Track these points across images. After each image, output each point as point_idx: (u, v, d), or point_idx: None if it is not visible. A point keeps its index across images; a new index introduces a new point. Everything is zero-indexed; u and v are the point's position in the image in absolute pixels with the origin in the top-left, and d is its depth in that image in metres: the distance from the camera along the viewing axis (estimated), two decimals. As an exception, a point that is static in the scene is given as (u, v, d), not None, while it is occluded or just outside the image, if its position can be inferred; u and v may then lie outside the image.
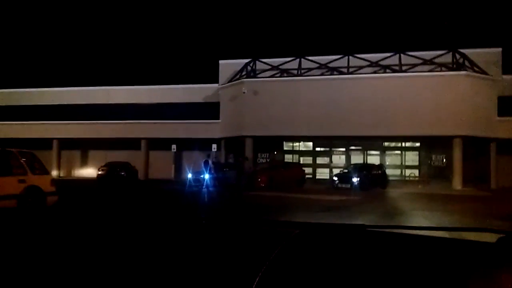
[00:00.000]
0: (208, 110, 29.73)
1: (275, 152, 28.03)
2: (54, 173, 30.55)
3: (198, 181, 21.13)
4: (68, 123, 30.78)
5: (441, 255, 1.17)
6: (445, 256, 1.16)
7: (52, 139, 30.88)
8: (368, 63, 25.80)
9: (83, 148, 32.72)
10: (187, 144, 29.33)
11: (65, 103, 32.62)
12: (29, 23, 59.30)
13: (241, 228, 1.55)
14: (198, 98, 31.26)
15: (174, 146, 28.14)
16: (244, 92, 25.58)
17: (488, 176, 24.21)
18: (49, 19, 62.38)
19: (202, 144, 27.85)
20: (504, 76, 24.77)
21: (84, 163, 33.15)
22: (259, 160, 27.31)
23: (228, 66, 29.43)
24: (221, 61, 30.84)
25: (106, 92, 33.34)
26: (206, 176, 20.80)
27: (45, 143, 30.73)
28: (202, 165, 21.17)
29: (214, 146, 27.39)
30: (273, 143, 27.81)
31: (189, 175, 22.32)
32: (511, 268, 1.01)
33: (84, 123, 30.67)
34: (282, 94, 25.35)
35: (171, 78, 32.98)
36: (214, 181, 20.65)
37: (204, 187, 20.34)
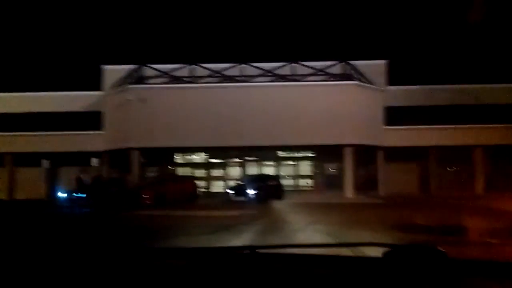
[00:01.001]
0: (89, 120, 26.41)
1: (165, 166, 25.82)
2: None
3: (69, 201, 18.17)
4: None
5: (331, 273, 1.18)
6: (336, 274, 1.18)
7: None
8: (262, 71, 25.21)
9: None
10: (64, 159, 25.65)
11: None
12: None
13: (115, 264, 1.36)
14: (77, 107, 27.71)
15: (45, 162, 24.28)
16: (129, 100, 23.08)
17: (377, 183, 24.99)
18: None
19: (82, 158, 24.56)
20: (389, 87, 26.01)
21: None
22: (147, 175, 24.84)
23: (113, 72, 26.59)
24: (105, 67, 27.85)
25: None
26: (78, 194, 17.97)
27: None
28: (74, 182, 18.32)
29: (94, 160, 24.27)
30: (163, 156, 25.57)
31: (60, 194, 19.19)
32: (397, 282, 1.05)
33: None
34: (172, 103, 23.42)
35: (47, 84, 28.82)
36: (89, 201, 17.84)
37: (76, 207, 17.47)
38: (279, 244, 1.43)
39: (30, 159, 25.61)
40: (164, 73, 25.19)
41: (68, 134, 25.63)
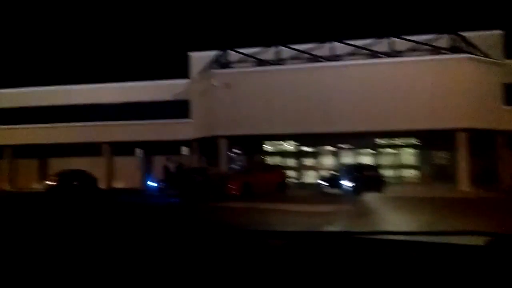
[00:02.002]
0: (178, 108, 26.36)
1: (254, 154, 24.67)
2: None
3: (157, 190, 17.85)
4: (22, 128, 27.02)
5: (430, 260, 1.17)
6: (435, 261, 1.16)
7: (2, 146, 27.10)
8: (354, 49, 22.73)
9: (41, 156, 29.01)
10: (156, 148, 25.94)
11: (21, 105, 29.03)
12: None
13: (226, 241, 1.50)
14: (167, 96, 27.89)
15: (139, 151, 24.64)
16: (214, 85, 22.29)
17: (497, 174, 21.20)
18: None
19: (174, 147, 24.54)
20: (508, 61, 21.87)
21: (43, 173, 29.40)
22: (236, 164, 23.96)
23: (200, 59, 26.11)
24: (191, 53, 27.55)
25: (66, 92, 29.80)
26: (164, 184, 17.57)
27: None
28: (162, 171, 17.94)
29: (184, 148, 24.01)
30: (252, 144, 24.44)
31: (149, 183, 19.05)
32: (501, 271, 1.03)
33: (40, 127, 26.96)
34: (259, 87, 22.14)
35: (137, 74, 29.59)
36: (174, 190, 17.33)
37: (162, 197, 17.07)
38: (376, 230, 1.56)
39: (127, 148, 26.29)
40: (249, 56, 24.00)
41: (159, 123, 25.80)
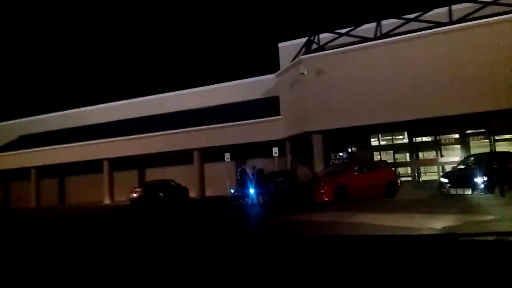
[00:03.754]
0: (267, 106, 23.72)
1: (353, 149, 20.61)
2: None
3: (236, 198, 15.28)
4: (118, 140, 26.99)
5: None
6: None
7: (102, 160, 27.44)
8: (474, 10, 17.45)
9: (139, 167, 28.90)
10: (247, 151, 23.62)
11: (115, 119, 29.47)
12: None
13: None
14: (257, 94, 25.56)
15: (227, 155, 22.44)
16: (302, 74, 19.01)
17: None
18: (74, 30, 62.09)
19: (263, 149, 21.93)
20: None
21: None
22: (333, 162, 20.26)
23: (289, 48, 23.15)
24: (280, 44, 24.79)
25: (157, 100, 29.45)
26: (240, 191, 14.91)
27: (95, 165, 27.59)
28: (239, 176, 15.30)
29: (275, 150, 21.11)
30: (353, 138, 20.48)
31: (231, 190, 16.61)
32: None
33: (135, 138, 26.60)
34: (357, 69, 18.22)
35: (227, 74, 27.95)
36: (256, 197, 14.55)
37: (244, 205, 14.45)
38: (484, 232, 1.33)
39: (215, 153, 24.46)
40: (342, 34, 20.17)
41: (246, 124, 23.38)
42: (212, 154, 24.80)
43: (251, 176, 14.77)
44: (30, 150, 29.24)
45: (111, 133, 27.51)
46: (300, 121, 19.95)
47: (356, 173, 14.27)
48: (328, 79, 18.73)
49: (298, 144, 21.21)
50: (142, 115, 29.12)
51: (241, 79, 26.96)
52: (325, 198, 12.98)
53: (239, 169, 16.10)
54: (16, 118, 34.87)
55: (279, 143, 21.56)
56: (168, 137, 25.34)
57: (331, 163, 19.75)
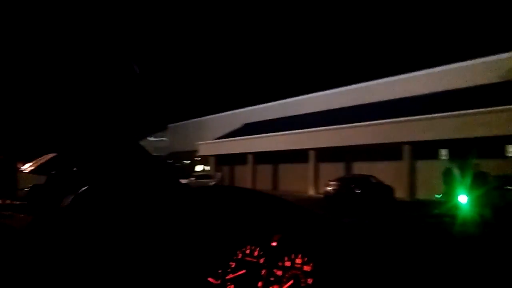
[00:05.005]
0: (500, 92, 18.37)
1: None
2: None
3: (439, 208, 11.85)
4: (324, 130, 26.04)
5: None
6: None
7: (307, 149, 27.07)
8: None
9: (346, 159, 27.25)
10: (468, 147, 18.92)
11: (321, 109, 28.70)
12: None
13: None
14: (483, 78, 20.36)
15: (444, 152, 18.36)
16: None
17: None
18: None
19: (496, 144, 17.09)
20: None
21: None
22: None
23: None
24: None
25: (362, 90, 27.18)
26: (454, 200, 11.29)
27: (300, 155, 27.52)
28: (443, 179, 11.83)
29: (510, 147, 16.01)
30: None
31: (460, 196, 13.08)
32: None
33: (339, 128, 25.13)
34: None
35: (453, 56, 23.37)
36: (471, 209, 10.83)
37: (447, 220, 10.88)
38: None
39: (431, 149, 20.57)
40: None
41: (471, 114, 18.62)
42: (427, 150, 20.97)
43: (457, 178, 11.15)
44: (248, 137, 31.62)
45: (320, 123, 26.84)
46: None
47: None
48: None
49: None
50: (350, 104, 27.40)
51: (467, 60, 21.94)
52: None
53: (445, 169, 12.51)
54: (242, 107, 38.52)
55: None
56: (375, 128, 22.79)
57: None
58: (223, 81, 78.78)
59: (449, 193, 12.14)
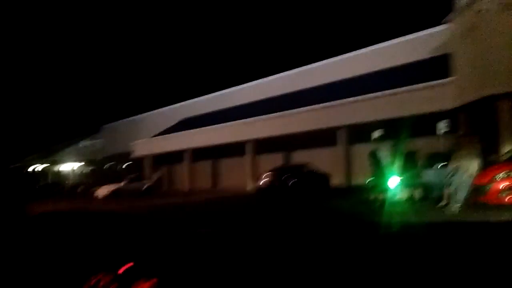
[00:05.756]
0: (433, 68, 17.80)
1: None
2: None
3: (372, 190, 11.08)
4: (257, 120, 24.67)
5: None
6: None
7: (243, 142, 25.64)
8: None
9: (285, 149, 26.05)
10: (404, 128, 18.19)
11: (258, 98, 27.33)
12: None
13: None
14: (414, 55, 19.75)
15: (376, 133, 17.51)
16: (487, 10, 12.79)
17: None
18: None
19: (428, 124, 16.38)
20: None
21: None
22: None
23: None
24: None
25: (297, 75, 26.13)
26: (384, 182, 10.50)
27: (238, 149, 26.06)
28: (370, 162, 11.01)
29: (441, 124, 15.38)
30: None
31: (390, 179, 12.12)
32: None
33: (274, 117, 23.82)
34: None
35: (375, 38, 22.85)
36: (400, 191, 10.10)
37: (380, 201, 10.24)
38: None
39: (367, 132, 19.76)
40: None
41: (402, 92, 17.92)
42: (361, 133, 20.13)
43: (384, 160, 10.18)
44: (183, 132, 29.77)
45: (255, 113, 25.45)
46: (476, 82, 13.72)
47: None
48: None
49: (477, 117, 14.89)
50: (282, 92, 26.26)
51: (392, 39, 21.33)
52: (507, 199, 7.48)
53: (370, 152, 11.60)
54: (178, 102, 36.55)
55: (449, 114, 15.63)
56: (310, 114, 21.73)
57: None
58: (157, 76, 76.18)
59: (379, 176, 11.28)
